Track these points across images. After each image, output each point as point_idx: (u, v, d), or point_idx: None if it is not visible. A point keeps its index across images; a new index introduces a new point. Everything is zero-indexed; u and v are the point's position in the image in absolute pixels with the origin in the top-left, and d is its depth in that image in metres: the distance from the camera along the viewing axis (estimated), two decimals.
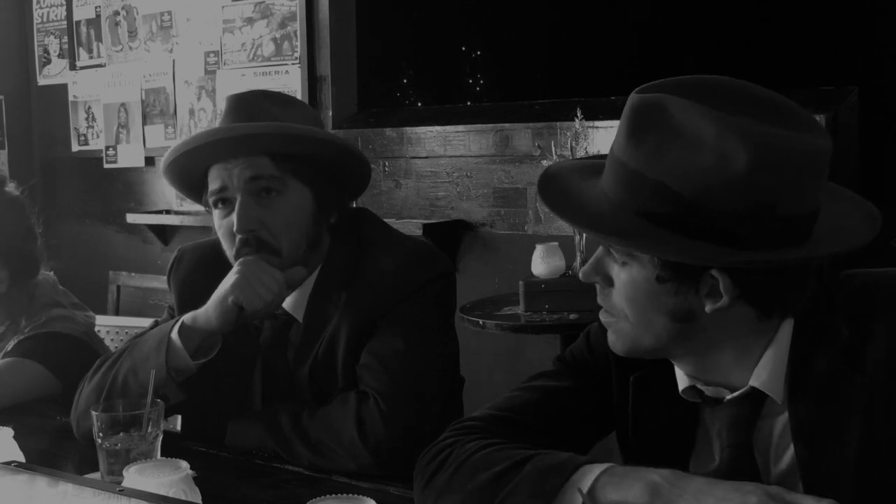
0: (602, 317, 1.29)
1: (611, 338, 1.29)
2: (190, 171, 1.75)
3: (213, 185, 1.71)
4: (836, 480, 1.17)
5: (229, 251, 1.73)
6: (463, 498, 1.22)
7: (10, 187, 2.21)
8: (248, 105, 1.74)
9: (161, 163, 1.80)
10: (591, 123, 3.31)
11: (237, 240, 1.70)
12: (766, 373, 1.22)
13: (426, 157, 3.95)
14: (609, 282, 1.25)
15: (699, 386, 1.27)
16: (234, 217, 1.68)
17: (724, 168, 1.10)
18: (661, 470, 1.12)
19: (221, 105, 4.28)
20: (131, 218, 4.74)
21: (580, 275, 1.28)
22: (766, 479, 1.25)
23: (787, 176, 1.12)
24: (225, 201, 1.71)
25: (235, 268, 1.69)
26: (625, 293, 1.22)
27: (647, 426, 1.34)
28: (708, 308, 1.18)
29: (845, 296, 1.23)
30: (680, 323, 1.20)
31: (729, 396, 1.25)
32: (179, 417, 1.69)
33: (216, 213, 1.74)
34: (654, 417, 1.33)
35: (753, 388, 1.23)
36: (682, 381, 1.29)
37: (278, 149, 1.69)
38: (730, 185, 1.10)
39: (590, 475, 1.14)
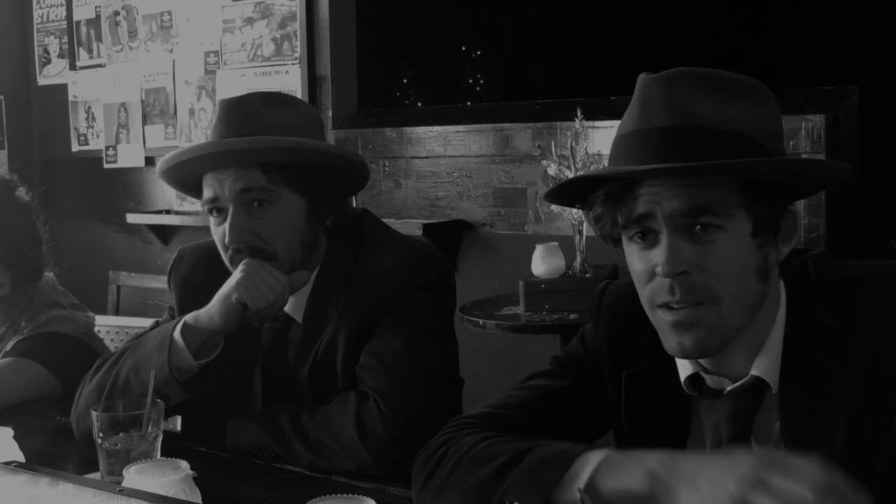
0: (688, 315, 1.19)
1: (696, 335, 1.19)
2: (185, 176, 1.76)
3: (207, 193, 1.72)
4: None
5: (225, 257, 1.74)
6: (462, 495, 1.22)
7: (20, 192, 2.20)
8: (241, 110, 1.72)
9: (157, 169, 1.80)
10: (591, 123, 3.30)
11: (230, 249, 1.71)
12: (766, 361, 1.24)
13: (426, 157, 3.95)
14: (697, 265, 1.19)
15: (702, 374, 1.28)
16: (226, 227, 1.69)
17: (775, 113, 1.25)
18: (657, 453, 1.12)
19: None
20: (131, 218, 4.74)
21: (663, 269, 1.19)
22: None
23: None
24: (219, 210, 1.72)
25: (240, 267, 1.69)
26: (724, 263, 1.18)
27: (640, 422, 1.35)
28: (784, 251, 1.24)
29: (833, 288, 1.24)
30: (762, 283, 1.22)
31: (730, 387, 1.26)
32: (179, 417, 1.69)
33: (211, 219, 1.75)
34: (647, 413, 1.34)
35: (754, 378, 1.24)
36: (686, 370, 1.29)
37: (269, 160, 1.69)
38: (777, 129, 1.25)
39: (588, 466, 1.14)
